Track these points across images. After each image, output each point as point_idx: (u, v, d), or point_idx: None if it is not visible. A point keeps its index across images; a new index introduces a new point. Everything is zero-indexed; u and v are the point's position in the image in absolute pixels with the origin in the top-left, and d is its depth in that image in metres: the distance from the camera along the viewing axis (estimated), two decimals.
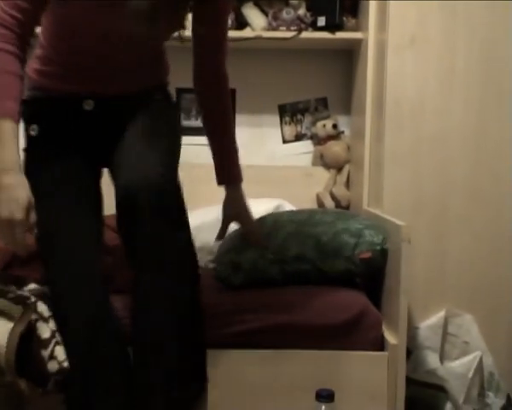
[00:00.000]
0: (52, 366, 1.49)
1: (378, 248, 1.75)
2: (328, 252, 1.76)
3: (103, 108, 1.54)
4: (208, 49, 1.63)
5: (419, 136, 1.96)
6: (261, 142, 2.54)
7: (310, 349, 1.67)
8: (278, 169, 2.49)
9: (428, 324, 1.92)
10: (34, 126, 1.52)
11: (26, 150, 1.51)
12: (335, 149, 2.43)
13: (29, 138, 1.52)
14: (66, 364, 1.50)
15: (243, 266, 1.77)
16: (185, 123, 2.48)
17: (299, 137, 2.54)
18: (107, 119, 1.53)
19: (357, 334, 1.68)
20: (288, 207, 2.23)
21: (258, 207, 2.16)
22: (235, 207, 1.74)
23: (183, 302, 1.49)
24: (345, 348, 1.67)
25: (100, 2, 1.40)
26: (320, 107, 2.52)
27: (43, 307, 1.52)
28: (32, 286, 1.58)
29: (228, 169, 1.73)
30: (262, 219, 1.93)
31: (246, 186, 2.38)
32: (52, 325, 1.52)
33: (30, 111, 1.50)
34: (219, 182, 1.73)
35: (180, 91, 2.50)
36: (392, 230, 1.73)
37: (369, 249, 1.75)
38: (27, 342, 1.47)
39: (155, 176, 1.38)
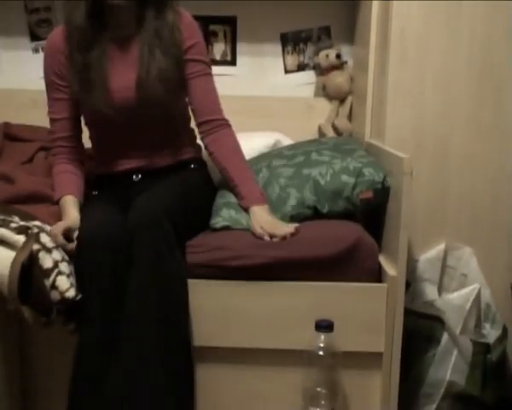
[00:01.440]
0: (54, 296, 1.51)
1: (379, 186, 1.75)
2: (328, 194, 1.76)
3: (148, 177, 1.84)
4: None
5: (423, 69, 1.92)
6: (262, 72, 2.49)
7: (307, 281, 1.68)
8: (279, 100, 2.46)
9: (428, 256, 1.93)
10: (95, 191, 1.86)
11: (85, 205, 1.78)
12: (338, 79, 2.39)
13: (90, 197, 1.84)
14: (67, 294, 1.52)
15: (243, 223, 1.77)
16: None
17: (301, 67, 2.49)
18: (149, 183, 1.79)
19: (353, 264, 1.68)
20: (287, 142, 2.21)
21: (256, 142, 2.15)
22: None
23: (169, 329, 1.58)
24: (341, 279, 1.68)
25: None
26: (323, 36, 2.47)
27: (46, 239, 1.53)
28: (37, 222, 1.59)
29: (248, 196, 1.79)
30: (258, 168, 1.92)
31: (246, 118, 2.38)
32: (55, 255, 1.53)
33: (94, 183, 1.89)
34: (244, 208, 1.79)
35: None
36: (394, 163, 1.72)
37: (370, 188, 1.75)
38: (30, 271, 1.48)
39: (151, 216, 1.59)
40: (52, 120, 1.85)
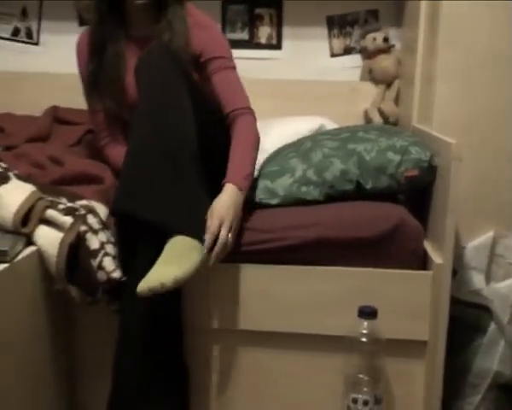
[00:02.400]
0: (101, 276, 1.53)
1: (425, 165, 1.72)
2: (372, 170, 1.74)
3: None
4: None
5: (473, 52, 1.88)
6: (308, 55, 2.48)
7: (348, 264, 1.67)
8: (324, 84, 2.44)
9: (475, 244, 1.89)
10: None
11: None
12: (385, 63, 2.36)
13: None
14: (114, 275, 1.54)
15: (279, 193, 1.77)
16: (230, 35, 2.43)
17: (347, 51, 2.47)
18: None
19: (396, 246, 1.66)
20: (331, 127, 2.19)
21: (300, 127, 2.14)
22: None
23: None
24: (384, 262, 1.66)
25: None
26: (370, 19, 2.44)
27: (92, 220, 1.55)
28: (84, 202, 1.61)
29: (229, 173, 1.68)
30: (301, 141, 1.91)
31: (290, 102, 2.37)
32: (101, 236, 1.55)
33: None
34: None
35: (226, 3, 2.45)
36: (441, 147, 1.69)
37: (416, 167, 1.72)
38: (77, 252, 1.51)
39: None
40: (91, 114, 1.90)
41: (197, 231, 1.53)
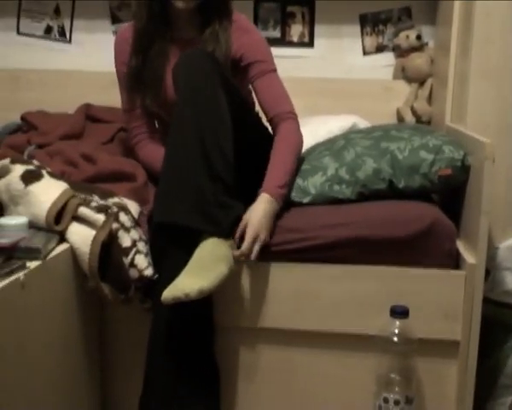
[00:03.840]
0: (133, 274, 1.54)
1: (459, 164, 1.70)
2: (405, 168, 1.72)
3: None
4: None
5: (508, 51, 1.85)
6: (340, 54, 2.47)
7: (381, 263, 1.65)
8: (357, 83, 2.43)
9: (508, 244, 1.87)
10: None
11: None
12: (418, 61, 2.34)
13: None
14: (146, 272, 1.55)
15: (310, 191, 1.76)
16: (262, 34, 2.43)
17: (380, 49, 2.45)
18: None
19: (430, 246, 1.65)
20: (364, 125, 2.18)
21: (333, 125, 2.13)
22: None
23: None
24: (417, 262, 1.65)
25: None
26: (403, 16, 2.42)
27: (124, 218, 1.57)
28: (116, 200, 1.63)
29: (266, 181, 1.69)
30: (334, 139, 1.90)
31: (322, 100, 2.37)
32: (133, 234, 1.56)
33: None
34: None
35: (258, 1, 2.44)
36: (475, 147, 1.67)
37: (449, 166, 1.71)
38: (109, 250, 1.52)
39: None
40: (125, 112, 1.92)
41: (228, 233, 1.56)
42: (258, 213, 1.60)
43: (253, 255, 1.58)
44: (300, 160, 1.84)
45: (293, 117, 1.80)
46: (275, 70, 1.84)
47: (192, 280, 1.45)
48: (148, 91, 1.83)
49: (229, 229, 1.57)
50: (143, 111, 1.88)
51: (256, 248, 1.58)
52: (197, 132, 1.55)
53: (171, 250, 1.56)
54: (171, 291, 1.43)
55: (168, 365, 1.56)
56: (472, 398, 1.65)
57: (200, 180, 1.54)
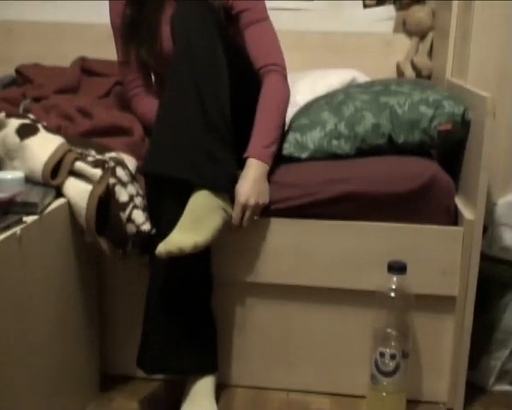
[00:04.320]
0: (130, 229, 1.54)
1: (459, 119, 1.69)
2: (404, 124, 1.71)
3: None
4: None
5: (511, 5, 1.82)
6: (340, 6, 2.42)
7: (379, 219, 1.66)
8: (357, 36, 2.39)
9: (507, 200, 1.86)
10: None
11: None
12: (419, 14, 2.30)
13: None
14: (143, 227, 1.55)
15: (309, 147, 1.75)
16: None
17: (380, 2, 2.41)
18: None
19: (428, 203, 1.65)
20: (364, 79, 2.15)
21: (332, 79, 2.11)
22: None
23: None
24: (415, 218, 1.65)
25: None
26: None
27: (121, 173, 1.56)
28: (113, 154, 1.61)
29: (252, 145, 1.66)
30: (333, 93, 1.88)
31: (322, 54, 2.33)
32: (130, 189, 1.56)
33: None
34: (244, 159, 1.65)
35: None
36: (476, 102, 1.65)
37: (449, 121, 1.69)
38: (106, 205, 1.51)
39: None
40: (121, 64, 1.88)
41: (221, 188, 1.55)
42: (247, 181, 1.59)
43: (244, 223, 1.60)
44: (299, 114, 1.82)
45: (278, 70, 1.74)
46: (266, 18, 1.79)
47: (186, 235, 1.45)
48: (143, 43, 1.80)
49: (221, 184, 1.55)
50: (139, 64, 1.85)
51: (247, 214, 1.59)
52: (194, 83, 1.53)
53: (167, 203, 1.55)
54: (166, 246, 1.43)
55: (165, 319, 1.57)
56: (467, 352, 1.67)
57: (194, 132, 1.52)
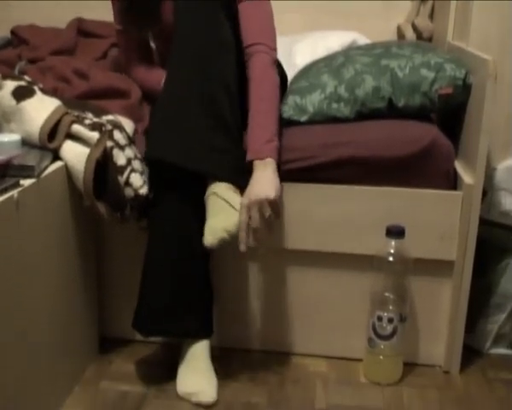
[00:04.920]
0: (128, 192, 1.53)
1: (460, 83, 1.67)
2: (405, 87, 1.69)
3: None
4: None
5: None
6: None
7: (378, 184, 1.65)
8: None
9: (507, 165, 1.85)
10: None
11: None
12: None
13: None
14: (141, 191, 1.54)
15: (308, 110, 1.73)
16: None
17: None
18: None
19: (427, 167, 1.64)
20: (364, 42, 2.13)
21: (332, 42, 2.08)
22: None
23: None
24: (414, 183, 1.64)
25: None
26: None
27: (119, 136, 1.54)
28: (110, 117, 1.60)
29: (251, 146, 1.57)
30: (333, 56, 1.86)
31: (320, 17, 2.30)
32: (128, 152, 1.54)
33: None
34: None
35: None
36: (477, 65, 1.64)
37: (450, 84, 1.67)
38: (104, 168, 1.50)
39: None
40: (118, 32, 1.83)
41: (224, 175, 1.52)
42: (254, 186, 1.50)
43: (255, 224, 1.48)
44: (299, 76, 1.79)
45: (267, 51, 1.64)
46: None
47: (223, 217, 1.45)
48: (143, 13, 1.74)
49: (222, 174, 1.52)
50: (137, 36, 1.81)
51: (253, 214, 1.47)
52: (199, 63, 1.49)
53: (167, 178, 1.55)
54: (214, 235, 1.44)
55: (162, 282, 1.57)
56: (465, 316, 1.68)
57: (199, 119, 1.49)
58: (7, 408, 1.29)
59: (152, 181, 1.57)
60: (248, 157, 1.55)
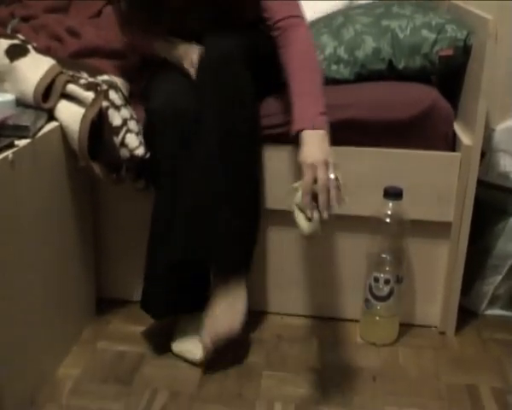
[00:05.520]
0: (124, 153, 1.52)
1: (461, 44, 1.65)
2: (405, 48, 1.67)
3: None
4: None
5: None
6: None
7: (377, 146, 1.64)
8: None
9: (506, 126, 1.84)
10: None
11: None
12: None
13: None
14: (137, 152, 1.52)
15: None
16: None
17: None
18: None
19: (427, 130, 1.63)
20: (365, 0, 2.09)
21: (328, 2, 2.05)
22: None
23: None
24: (413, 145, 1.63)
25: None
26: None
27: (114, 96, 1.52)
28: (105, 77, 1.57)
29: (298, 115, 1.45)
30: (333, 16, 1.83)
31: None
32: (123, 113, 1.53)
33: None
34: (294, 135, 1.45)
35: None
36: (477, 25, 1.61)
37: (451, 46, 1.65)
38: (99, 129, 1.49)
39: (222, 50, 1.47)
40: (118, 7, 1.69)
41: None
42: (308, 146, 1.38)
43: (321, 183, 1.32)
44: None
45: (303, 23, 1.51)
46: None
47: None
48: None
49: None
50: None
51: (321, 174, 1.32)
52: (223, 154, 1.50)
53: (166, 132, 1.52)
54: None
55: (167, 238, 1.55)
56: (461, 278, 1.68)
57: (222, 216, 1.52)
58: (6, 369, 1.30)
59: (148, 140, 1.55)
60: (296, 127, 1.42)
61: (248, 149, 1.54)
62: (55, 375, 1.54)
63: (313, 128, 1.40)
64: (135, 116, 1.56)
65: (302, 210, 1.32)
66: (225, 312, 1.54)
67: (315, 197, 1.31)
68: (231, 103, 1.47)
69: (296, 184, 1.36)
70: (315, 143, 1.38)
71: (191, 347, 1.59)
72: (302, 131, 1.40)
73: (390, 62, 1.69)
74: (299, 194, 1.33)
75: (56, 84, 1.46)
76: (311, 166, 1.33)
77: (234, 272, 1.55)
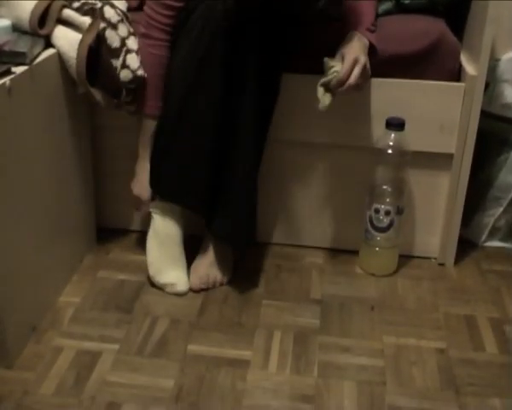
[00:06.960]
0: (125, 75, 1.49)
1: None
2: None
3: None
4: None
5: None
6: None
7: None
8: None
9: (510, 56, 1.81)
10: None
11: None
12: None
13: None
14: (139, 72, 1.50)
15: None
16: None
17: None
18: None
19: (434, 63, 1.60)
20: None
21: None
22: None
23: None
24: (420, 79, 1.60)
25: None
26: None
27: (110, 13, 1.48)
28: None
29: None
30: None
31: None
32: (121, 30, 1.48)
33: None
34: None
35: None
36: None
37: None
38: (98, 55, 1.46)
39: None
40: None
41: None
42: (353, 43, 1.49)
43: (353, 78, 1.44)
44: None
45: None
46: None
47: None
48: None
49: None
50: None
51: (356, 70, 1.45)
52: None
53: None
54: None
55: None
56: (461, 209, 1.68)
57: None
58: (7, 298, 1.31)
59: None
60: (355, 27, 1.52)
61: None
62: (56, 303, 1.55)
63: (364, 36, 1.51)
64: (132, 30, 1.51)
65: (326, 88, 1.48)
66: (218, 258, 1.61)
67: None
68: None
69: (332, 63, 1.47)
70: (361, 47, 1.49)
71: (176, 280, 1.61)
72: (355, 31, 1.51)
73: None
74: (331, 75, 1.46)
75: (52, 9, 1.43)
76: (353, 59, 1.45)
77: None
